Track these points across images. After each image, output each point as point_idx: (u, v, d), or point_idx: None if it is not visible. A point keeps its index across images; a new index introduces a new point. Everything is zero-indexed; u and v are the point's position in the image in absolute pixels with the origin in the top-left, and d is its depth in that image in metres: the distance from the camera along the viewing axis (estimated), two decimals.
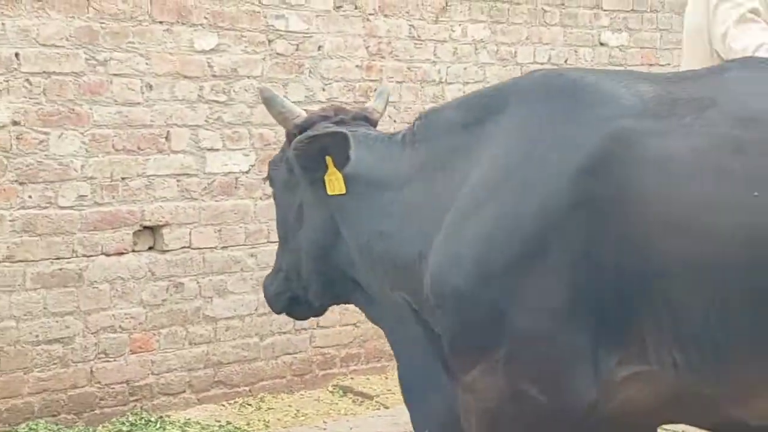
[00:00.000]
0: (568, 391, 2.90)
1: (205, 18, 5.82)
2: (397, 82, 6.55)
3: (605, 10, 7.54)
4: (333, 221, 3.54)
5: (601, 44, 7.54)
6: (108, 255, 5.59)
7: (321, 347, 6.37)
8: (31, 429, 5.30)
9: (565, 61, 7.28)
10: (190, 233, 5.84)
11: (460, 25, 6.83)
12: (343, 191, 3.47)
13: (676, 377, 2.87)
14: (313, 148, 3.46)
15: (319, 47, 6.24)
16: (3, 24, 5.21)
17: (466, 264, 2.98)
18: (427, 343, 3.30)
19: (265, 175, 4.05)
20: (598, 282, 2.81)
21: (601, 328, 2.85)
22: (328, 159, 3.46)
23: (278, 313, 4.00)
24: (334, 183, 3.48)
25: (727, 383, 2.86)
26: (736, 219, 2.72)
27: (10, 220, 5.30)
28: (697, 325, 2.80)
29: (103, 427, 5.53)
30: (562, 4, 7.30)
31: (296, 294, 3.81)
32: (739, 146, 2.76)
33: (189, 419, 5.69)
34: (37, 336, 5.42)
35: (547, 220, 2.86)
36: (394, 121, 6.27)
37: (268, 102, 3.76)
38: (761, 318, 2.75)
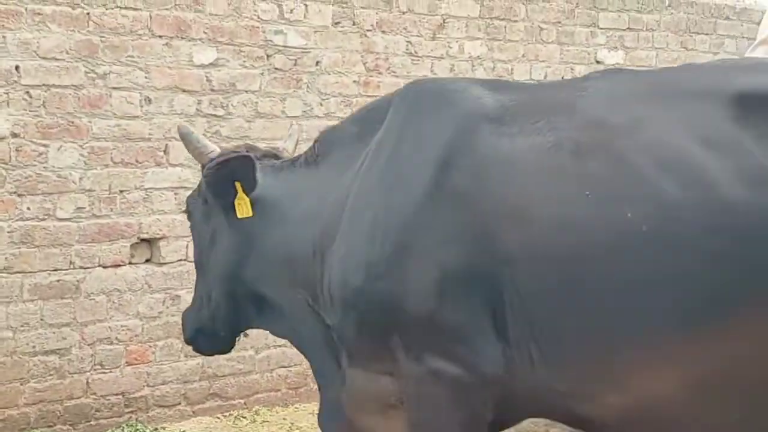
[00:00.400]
0: (474, 364, 3.12)
1: (204, 32, 5.86)
2: None
3: (601, 29, 7.59)
4: (244, 241, 3.81)
5: (597, 62, 7.59)
6: (105, 267, 5.62)
7: None
8: None
9: (562, 79, 7.32)
10: (187, 246, 5.87)
11: (457, 41, 6.87)
12: (251, 214, 3.76)
13: (531, 372, 3.07)
14: (222, 173, 3.75)
15: (317, 62, 6.29)
16: (4, 36, 5.25)
17: (355, 261, 3.29)
18: (323, 337, 3.62)
19: None
20: (466, 268, 3.07)
21: (484, 311, 3.10)
22: (238, 184, 3.75)
23: (187, 341, 4.25)
24: (243, 207, 3.78)
25: (572, 378, 3.04)
26: (567, 214, 2.96)
27: (8, 232, 5.34)
28: (542, 318, 3.01)
29: None
30: (559, 22, 7.36)
31: (204, 324, 4.06)
32: (576, 148, 3.00)
33: (184, 431, 5.72)
34: (33, 347, 5.45)
35: (412, 212, 3.17)
36: None
37: (185, 138, 4.04)
38: (595, 312, 2.93)
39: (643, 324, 2.87)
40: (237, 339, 4.15)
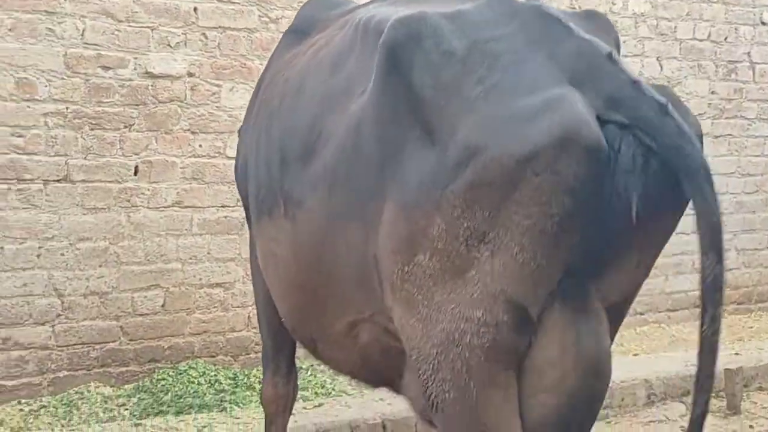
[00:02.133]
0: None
1: None
2: None
3: None
4: None
5: (763, 23, 7.43)
6: None
7: None
8: (190, 368, 5.54)
9: (725, 39, 7.21)
10: None
11: None
12: None
13: None
14: None
15: None
16: None
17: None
18: None
19: None
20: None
21: None
22: None
23: None
24: None
25: None
26: (263, 110, 3.46)
27: (181, 167, 5.55)
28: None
29: (258, 370, 5.68)
30: None
31: None
32: (291, 58, 3.47)
33: None
34: (200, 279, 5.67)
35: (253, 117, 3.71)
36: None
37: None
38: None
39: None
40: None
